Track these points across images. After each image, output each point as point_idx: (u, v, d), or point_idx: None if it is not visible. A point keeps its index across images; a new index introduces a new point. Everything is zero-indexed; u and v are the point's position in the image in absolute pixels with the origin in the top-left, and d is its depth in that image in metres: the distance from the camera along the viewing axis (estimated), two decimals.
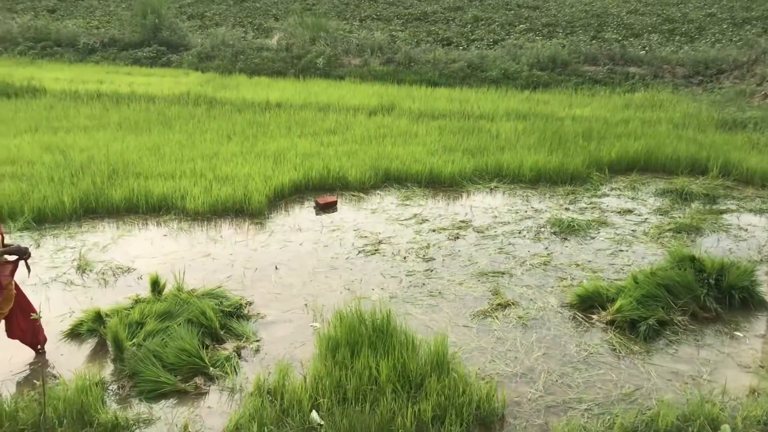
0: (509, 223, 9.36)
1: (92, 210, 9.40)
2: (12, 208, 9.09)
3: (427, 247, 8.56)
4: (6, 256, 5.36)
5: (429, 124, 14.08)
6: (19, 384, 5.72)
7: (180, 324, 6.25)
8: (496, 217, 9.59)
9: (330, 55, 20.74)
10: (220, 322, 6.51)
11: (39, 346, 6.06)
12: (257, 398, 5.33)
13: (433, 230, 9.09)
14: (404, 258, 8.23)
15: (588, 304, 7.10)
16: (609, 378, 5.93)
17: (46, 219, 9.07)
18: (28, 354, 6.04)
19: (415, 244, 8.63)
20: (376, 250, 8.44)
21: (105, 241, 8.53)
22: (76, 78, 18.58)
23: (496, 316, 6.89)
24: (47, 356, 6.09)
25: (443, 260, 8.18)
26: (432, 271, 7.90)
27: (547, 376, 5.92)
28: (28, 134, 12.50)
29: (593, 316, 6.92)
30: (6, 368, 5.82)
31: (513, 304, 7.14)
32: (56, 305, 6.94)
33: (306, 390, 5.38)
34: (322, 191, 10.50)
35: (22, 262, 5.70)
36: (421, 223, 9.33)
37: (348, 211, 9.79)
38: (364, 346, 5.78)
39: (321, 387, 5.41)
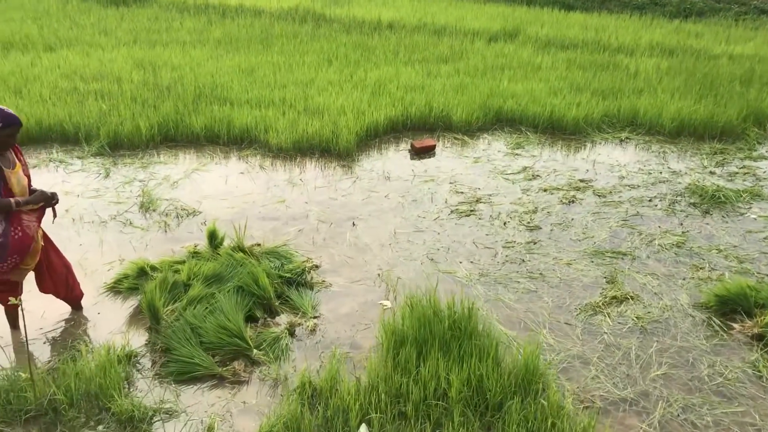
0: (638, 186, 7.81)
1: (171, 137, 8.71)
2: (89, 130, 8.54)
3: (534, 211, 7.23)
4: (29, 214, 4.62)
5: (556, 55, 12.36)
6: (49, 344, 5.09)
7: (228, 291, 5.40)
8: (623, 177, 8.05)
9: None
10: (277, 291, 5.61)
11: (76, 302, 5.40)
12: (297, 402, 4.39)
13: (544, 190, 7.72)
14: (504, 224, 6.96)
15: (729, 307, 5.62)
16: (750, 421, 4.55)
17: (121, 145, 8.46)
18: (63, 309, 5.40)
19: (519, 207, 7.32)
20: (471, 210, 7.21)
21: (177, 175, 7.81)
22: None
23: (608, 313, 5.57)
24: (84, 314, 5.43)
25: (551, 230, 6.85)
26: (536, 243, 6.60)
27: (665, 407, 4.61)
28: (125, 47, 11.96)
29: (734, 326, 5.45)
30: (36, 325, 5.21)
31: (632, 298, 5.77)
32: (108, 250, 6.29)
33: (356, 397, 4.39)
34: (421, 132, 9.30)
35: (49, 209, 4.95)
36: (530, 180, 7.97)
37: (447, 158, 8.55)
38: (434, 347, 4.68)
39: (375, 395, 4.39)
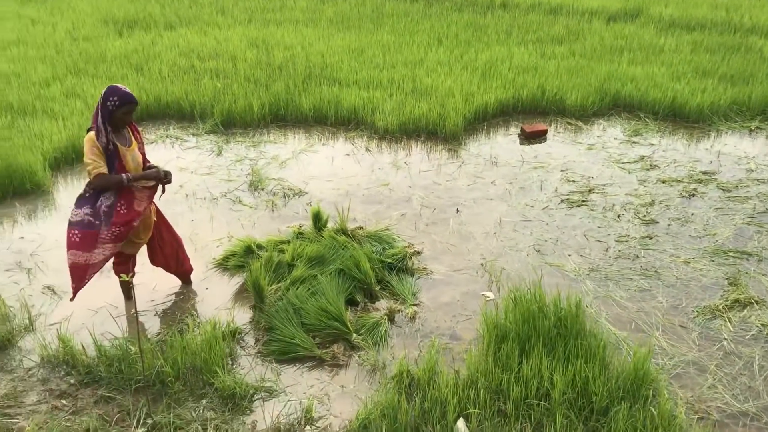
0: None
1: (281, 117, 8.82)
2: (203, 108, 8.80)
3: (651, 204, 6.82)
4: (143, 182, 4.77)
5: (681, 37, 11.61)
6: (158, 317, 5.29)
7: (330, 274, 5.40)
8: (751, 171, 7.46)
9: None
10: (377, 276, 5.56)
11: (185, 277, 5.57)
12: (395, 390, 4.33)
13: (663, 181, 7.26)
14: (618, 216, 6.61)
15: None
16: None
17: (234, 123, 8.66)
18: (173, 283, 5.59)
19: (635, 198, 6.92)
20: (583, 201, 6.89)
21: (285, 155, 7.91)
22: None
23: (729, 318, 5.16)
24: (193, 288, 5.59)
25: (669, 225, 6.44)
26: (651, 239, 6.22)
27: None
28: (240, 26, 12.24)
29: None
30: (147, 297, 5.41)
31: (756, 302, 5.32)
32: (218, 226, 6.45)
33: (455, 391, 4.28)
34: (533, 116, 8.98)
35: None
36: (648, 170, 7.53)
37: (558, 144, 8.21)
38: (538, 345, 4.49)
39: (474, 390, 4.27)
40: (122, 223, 4.67)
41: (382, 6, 13.63)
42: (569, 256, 5.97)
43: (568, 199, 6.92)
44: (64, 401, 4.36)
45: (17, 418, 4.19)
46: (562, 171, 7.51)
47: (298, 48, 10.83)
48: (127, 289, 5.24)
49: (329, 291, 5.14)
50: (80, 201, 4.65)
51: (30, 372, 4.62)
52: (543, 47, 11.11)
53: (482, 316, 4.88)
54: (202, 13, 13.10)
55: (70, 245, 4.61)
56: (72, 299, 4.85)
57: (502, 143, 8.24)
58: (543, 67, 10.03)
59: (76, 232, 4.60)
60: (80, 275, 4.70)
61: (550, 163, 7.69)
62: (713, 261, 5.87)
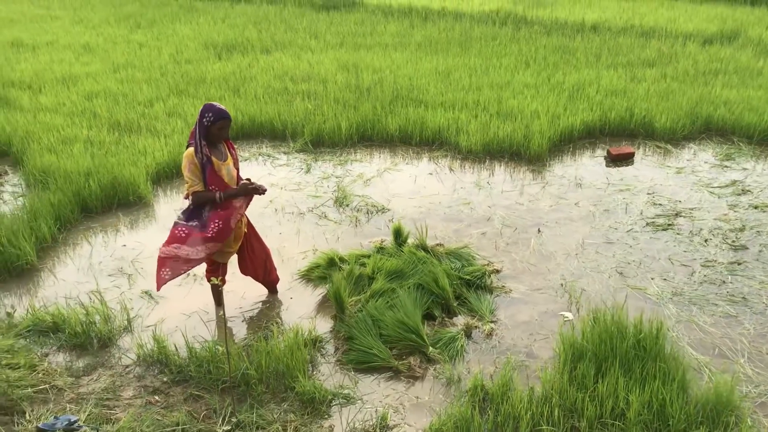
0: None
1: (367, 137, 9.08)
2: (295, 128, 9.17)
3: (741, 229, 6.62)
4: (236, 207, 5.06)
5: None
6: (246, 323, 5.57)
7: (409, 288, 5.54)
8: None
9: None
10: (455, 292, 5.66)
11: (272, 286, 5.85)
12: (468, 404, 4.41)
13: (755, 207, 7.03)
14: (705, 241, 6.44)
15: None
16: None
17: (322, 142, 8.98)
18: (260, 292, 5.87)
19: (724, 224, 6.73)
20: (669, 224, 6.76)
21: (370, 173, 8.14)
22: None
23: None
24: (278, 297, 5.86)
25: (760, 251, 6.23)
26: (740, 264, 6.04)
27: None
28: (332, 50, 12.66)
29: None
30: (236, 304, 5.71)
31: None
32: (304, 240, 6.72)
33: (528, 407, 4.31)
34: (620, 138, 8.88)
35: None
36: (739, 195, 7.30)
37: (646, 167, 8.08)
38: (615, 365, 4.46)
39: (548, 407, 4.28)
40: (221, 218, 4.93)
41: (470, 30, 13.79)
42: (652, 279, 5.88)
43: (653, 222, 6.81)
44: (156, 397, 4.66)
45: (115, 410, 4.52)
46: (648, 194, 7.39)
47: (387, 71, 11.12)
48: (218, 296, 5.55)
49: (407, 304, 5.27)
50: (186, 212, 4.98)
51: (127, 369, 4.96)
52: (633, 70, 10.96)
53: (559, 334, 4.89)
54: (297, 38, 13.64)
55: (172, 239, 4.89)
56: (158, 289, 5.01)
57: (588, 165, 8.19)
58: (632, 90, 9.90)
59: (183, 229, 4.91)
60: (173, 267, 4.94)
61: (636, 186, 7.58)
62: None
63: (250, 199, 5.24)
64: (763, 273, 5.89)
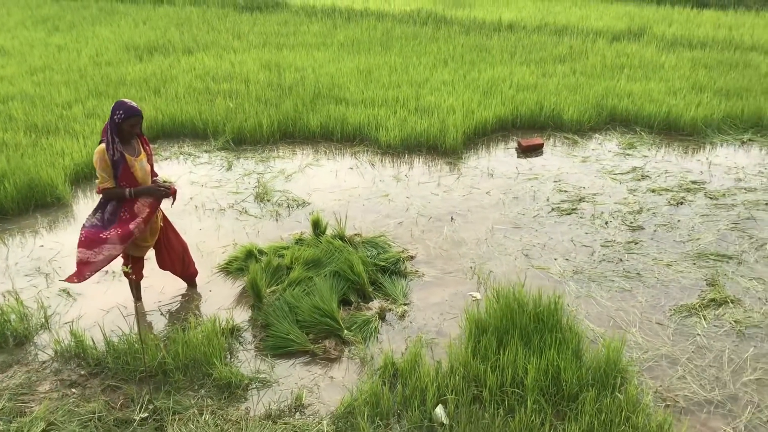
0: (756, 189, 7.44)
1: (289, 134, 9.24)
2: (216, 126, 9.24)
3: (639, 211, 7.08)
4: (143, 199, 5.14)
5: (681, 54, 11.90)
6: (164, 316, 5.65)
7: (325, 276, 5.75)
8: (740, 180, 7.69)
9: None
10: (371, 278, 5.89)
11: (190, 280, 5.95)
12: (379, 380, 4.65)
13: (653, 190, 7.52)
14: (606, 223, 6.88)
15: None
16: None
17: (244, 140, 9.09)
18: (179, 286, 5.97)
19: (624, 206, 7.19)
20: (573, 209, 7.17)
21: (291, 169, 8.30)
22: None
23: (704, 316, 5.40)
24: (197, 290, 5.97)
25: (655, 231, 6.70)
26: (636, 243, 6.48)
27: (754, 412, 4.45)
28: (255, 50, 12.75)
29: None
30: (155, 298, 5.79)
31: (732, 302, 5.56)
32: (224, 235, 6.83)
33: (435, 379, 4.57)
34: (531, 131, 9.30)
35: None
36: (639, 180, 7.79)
37: (553, 157, 8.51)
38: (515, 337, 4.78)
39: (453, 379, 4.56)
40: (122, 225, 5.04)
41: (392, 30, 14.08)
42: (555, 260, 6.25)
43: (558, 207, 7.21)
44: (74, 389, 4.72)
45: (30, 404, 4.56)
46: (555, 182, 7.81)
47: (309, 70, 11.29)
48: (136, 289, 5.62)
49: (323, 290, 5.47)
50: (95, 209, 5.10)
51: (44, 365, 5.00)
52: (545, 66, 11.46)
53: (465, 312, 5.18)
54: (219, 39, 13.66)
55: (79, 243, 5.02)
56: (63, 280, 5.25)
57: (500, 157, 8.57)
58: (543, 85, 10.36)
59: (83, 232, 5.01)
60: (81, 270, 5.05)
61: (544, 175, 7.99)
62: (694, 264, 6.11)
63: (158, 203, 5.31)
64: (657, 251, 6.34)
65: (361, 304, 5.68)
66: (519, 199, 7.43)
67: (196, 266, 5.96)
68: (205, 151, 8.87)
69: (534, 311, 4.99)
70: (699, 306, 5.50)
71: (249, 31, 14.23)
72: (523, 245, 6.51)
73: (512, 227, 6.85)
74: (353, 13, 15.75)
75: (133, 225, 5.03)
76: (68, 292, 5.88)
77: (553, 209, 7.18)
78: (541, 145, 8.71)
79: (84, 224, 5.10)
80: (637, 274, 6.00)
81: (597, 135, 9.17)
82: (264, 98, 9.96)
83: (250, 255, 6.21)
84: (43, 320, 5.47)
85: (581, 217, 6.99)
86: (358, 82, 10.66)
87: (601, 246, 6.46)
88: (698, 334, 5.19)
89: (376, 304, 5.67)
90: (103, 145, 4.95)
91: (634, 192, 7.51)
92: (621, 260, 6.21)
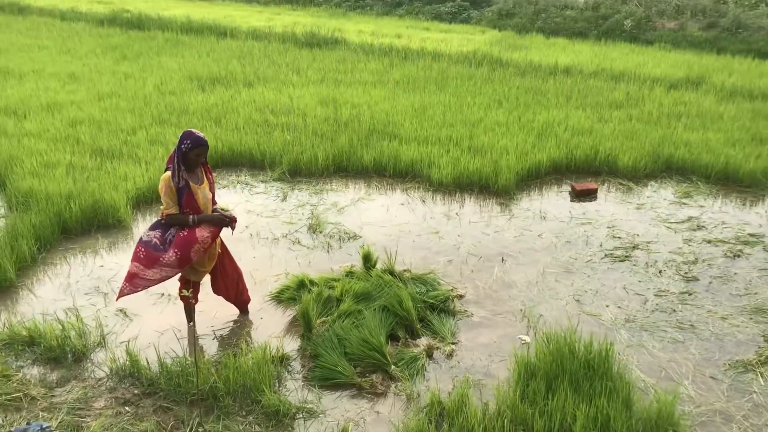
0: None
1: (343, 168, 9.39)
2: (273, 158, 9.46)
3: (694, 262, 6.97)
4: (205, 226, 5.31)
5: (741, 105, 11.76)
6: (216, 340, 5.77)
7: (375, 310, 5.80)
8: None
9: (641, 17, 18.60)
10: (419, 314, 5.92)
11: (243, 306, 6.07)
12: (425, 419, 4.65)
13: (708, 241, 7.40)
14: (659, 272, 6.78)
15: None
16: None
17: (299, 172, 9.27)
18: (232, 311, 6.09)
19: (678, 256, 7.08)
20: (626, 256, 7.09)
21: (344, 202, 8.43)
22: (377, 31, 19.17)
23: (760, 373, 5.26)
24: (249, 317, 6.08)
25: (710, 283, 6.57)
26: (690, 294, 6.37)
27: None
28: (313, 85, 13.04)
29: None
30: (208, 323, 5.92)
31: None
32: (277, 264, 6.96)
33: (481, 421, 4.55)
34: (585, 175, 9.27)
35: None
36: (695, 230, 7.67)
37: (608, 203, 8.45)
38: (564, 383, 4.73)
39: (501, 422, 4.53)
40: (181, 247, 5.17)
41: (447, 70, 14.26)
42: (607, 307, 6.19)
43: (611, 254, 7.14)
44: (127, 408, 4.85)
45: (86, 419, 4.69)
46: (608, 228, 7.74)
47: (364, 106, 11.50)
48: (190, 312, 5.76)
49: (372, 324, 5.52)
50: (155, 225, 5.29)
51: (100, 382, 5.15)
52: (601, 111, 11.43)
53: (514, 355, 5.15)
54: (279, 73, 14.03)
55: (134, 258, 5.18)
56: (116, 299, 5.40)
57: (553, 200, 8.55)
58: (599, 130, 10.33)
59: (143, 249, 5.18)
60: (133, 283, 5.20)
61: (598, 220, 7.93)
62: (751, 319, 5.97)
63: (219, 231, 5.48)
64: (712, 303, 6.22)
65: (409, 340, 5.70)
66: (571, 243, 7.39)
67: (249, 293, 6.08)
68: (262, 181, 9.08)
69: (585, 357, 4.94)
70: (756, 362, 5.36)
71: (308, 67, 14.57)
72: (574, 290, 6.46)
73: (564, 271, 6.81)
74: (410, 53, 16.00)
75: (193, 252, 5.19)
76: (125, 312, 6.05)
77: (606, 255, 7.11)
78: (595, 190, 8.67)
79: (141, 238, 5.26)
80: (691, 325, 5.89)
81: (652, 182, 9.07)
82: (320, 132, 10.17)
83: (302, 285, 6.31)
84: (100, 338, 5.65)
85: (634, 265, 6.91)
86: (412, 119, 10.81)
87: (655, 295, 6.36)
88: (755, 392, 5.06)
89: (423, 341, 5.69)
90: (168, 173, 5.15)
91: (690, 242, 7.40)
92: (674, 311, 6.11)
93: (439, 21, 21.13)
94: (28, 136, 9.85)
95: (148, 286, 5.26)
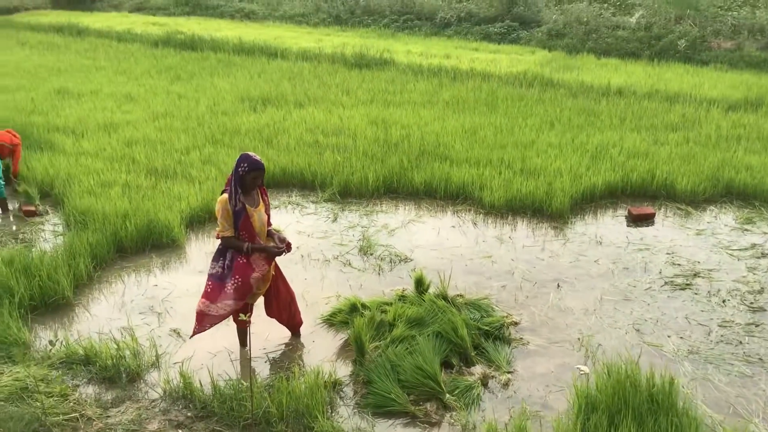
0: None
1: (393, 189, 9.35)
2: (324, 179, 9.47)
3: (760, 291, 6.69)
4: (260, 256, 5.33)
5: None
6: (269, 363, 5.75)
7: (428, 336, 5.69)
8: None
9: (695, 37, 18.21)
10: (474, 342, 5.80)
11: (295, 329, 6.04)
12: None
13: None
14: (723, 301, 6.53)
15: None
16: None
17: (350, 193, 9.25)
18: (284, 334, 6.06)
19: (743, 285, 6.82)
20: (687, 284, 6.85)
21: (394, 224, 8.37)
22: (426, 51, 19.17)
23: None
24: (301, 340, 6.04)
25: None
26: (757, 326, 6.11)
27: None
28: (363, 106, 13.07)
29: None
30: (260, 345, 5.90)
31: None
32: (328, 286, 6.93)
33: None
34: (641, 199, 9.03)
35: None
36: (759, 258, 7.39)
37: (666, 228, 8.21)
38: (627, 418, 4.55)
39: None
40: (241, 274, 5.23)
41: (497, 90, 14.14)
42: (669, 337, 5.97)
43: (672, 281, 6.91)
44: (180, 431, 4.84)
45: None
46: (667, 254, 7.51)
47: (414, 127, 11.46)
48: (243, 337, 5.76)
49: (426, 351, 5.42)
50: (216, 255, 5.36)
51: (153, 403, 5.16)
52: (656, 134, 11.17)
53: (574, 386, 4.99)
54: (329, 94, 14.12)
55: (203, 294, 5.27)
56: (190, 337, 5.52)
57: (608, 224, 8.34)
58: (655, 153, 10.09)
59: (210, 283, 5.29)
60: (201, 321, 5.33)
61: (656, 246, 7.70)
62: None
63: (273, 259, 5.51)
64: None
65: (463, 368, 5.58)
66: (629, 269, 7.18)
67: (301, 315, 6.05)
68: (313, 202, 9.09)
69: (648, 391, 4.75)
70: None
71: (357, 88, 14.64)
72: (633, 319, 6.26)
73: (622, 299, 6.61)
74: (459, 73, 15.94)
75: (252, 280, 5.22)
76: (178, 333, 6.08)
77: (666, 283, 6.88)
78: (653, 215, 8.43)
79: (209, 272, 5.37)
80: (759, 359, 5.63)
81: (712, 207, 8.79)
82: (370, 153, 10.16)
83: (354, 309, 6.25)
84: (154, 358, 5.67)
85: (696, 294, 6.67)
86: (462, 141, 10.72)
87: (719, 326, 6.12)
88: None
89: (478, 369, 5.57)
90: (225, 196, 5.18)
91: (754, 270, 7.12)
92: (741, 342, 5.86)
93: (488, 41, 21.02)
94: (86, 155, 10.08)
95: (215, 323, 5.36)
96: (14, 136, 9.46)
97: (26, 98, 13.64)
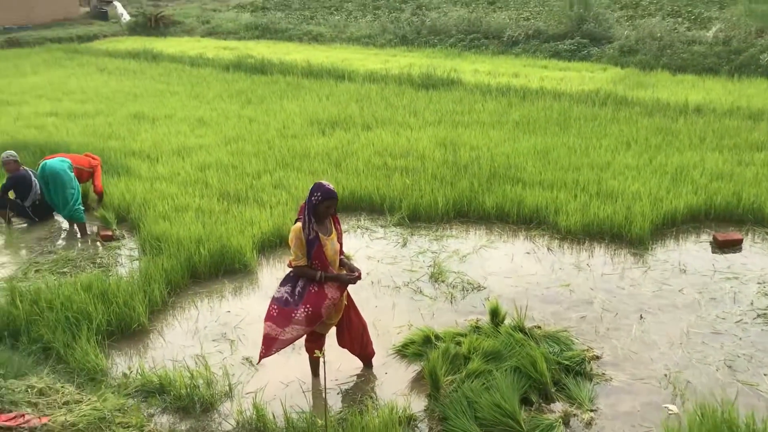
0: None
1: (463, 213, 9.17)
2: (392, 202, 9.37)
3: None
4: (332, 285, 5.26)
5: None
6: (341, 395, 5.64)
7: (506, 370, 5.48)
8: None
9: None
10: (554, 377, 5.55)
11: (367, 360, 5.92)
12: None
13: None
14: None
15: None
16: None
17: (419, 217, 9.12)
18: (356, 365, 5.95)
19: None
20: None
21: (466, 249, 8.18)
22: (494, 70, 18.92)
23: None
24: (373, 371, 5.91)
25: None
26: None
27: None
28: (431, 127, 12.95)
29: None
30: (332, 376, 5.79)
31: None
32: (399, 314, 6.80)
33: None
34: (726, 224, 8.58)
35: None
36: None
37: (755, 255, 7.75)
38: None
39: None
40: (312, 303, 5.16)
41: (569, 110, 13.80)
42: (765, 375, 5.57)
43: (765, 314, 6.49)
44: None
45: None
46: (758, 284, 7.08)
47: (484, 149, 11.26)
48: (315, 367, 5.67)
49: (504, 387, 5.21)
50: (284, 279, 5.29)
51: None
52: (740, 154, 10.64)
53: (663, 429, 4.68)
54: (396, 115, 14.05)
55: (268, 317, 5.22)
56: (257, 362, 5.54)
57: (692, 251, 7.94)
58: (739, 174, 9.60)
59: (275, 307, 5.21)
60: (269, 345, 5.25)
61: (746, 275, 7.27)
62: None
63: (346, 286, 5.43)
64: None
65: (543, 405, 5.35)
66: (717, 300, 6.79)
67: (373, 346, 5.93)
68: (381, 226, 9.00)
69: None
70: None
71: (425, 108, 14.53)
72: (725, 354, 5.88)
73: (711, 332, 6.23)
74: (528, 92, 15.65)
75: (324, 309, 5.14)
76: (251, 361, 6.05)
77: (758, 315, 6.47)
78: (740, 241, 7.99)
79: (274, 295, 5.29)
80: None
81: None
82: (439, 176, 10.01)
83: (427, 340, 6.09)
84: (227, 388, 5.64)
85: None
86: (535, 162, 10.46)
87: None
88: None
89: (559, 406, 5.32)
90: (299, 224, 5.13)
91: None
92: None
93: (557, 59, 20.61)
94: (160, 180, 10.28)
95: (282, 347, 5.28)
96: (93, 158, 9.75)
97: (104, 123, 14.09)
